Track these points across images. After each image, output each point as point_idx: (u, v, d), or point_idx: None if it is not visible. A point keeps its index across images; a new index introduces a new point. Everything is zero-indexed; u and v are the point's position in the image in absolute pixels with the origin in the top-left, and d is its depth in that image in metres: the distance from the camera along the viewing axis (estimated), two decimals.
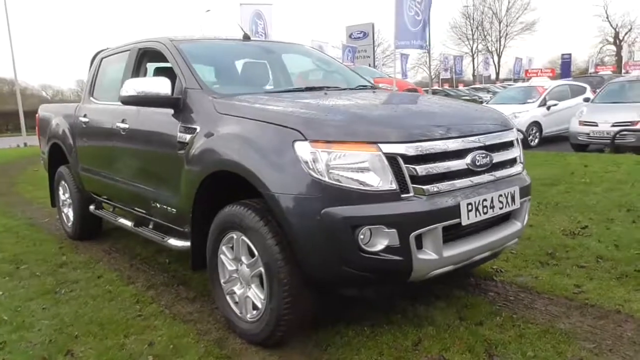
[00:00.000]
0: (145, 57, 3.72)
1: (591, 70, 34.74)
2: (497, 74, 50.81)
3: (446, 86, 35.81)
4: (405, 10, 11.33)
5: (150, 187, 3.34)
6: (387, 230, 2.14)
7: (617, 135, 9.18)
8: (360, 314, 2.82)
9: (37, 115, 5.35)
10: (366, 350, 2.47)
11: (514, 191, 2.58)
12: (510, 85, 24.03)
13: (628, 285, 3.09)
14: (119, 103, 3.18)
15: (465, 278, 3.31)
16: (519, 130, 3.78)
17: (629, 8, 67.43)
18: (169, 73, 3.21)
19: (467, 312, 2.84)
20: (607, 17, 47.90)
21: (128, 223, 3.86)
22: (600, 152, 9.41)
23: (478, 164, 2.43)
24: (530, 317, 2.75)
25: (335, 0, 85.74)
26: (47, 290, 3.49)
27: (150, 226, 3.57)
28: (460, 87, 35.57)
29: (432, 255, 2.25)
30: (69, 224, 4.81)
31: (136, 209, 3.71)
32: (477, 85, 35.23)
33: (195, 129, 2.82)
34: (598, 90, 11.72)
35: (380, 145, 2.19)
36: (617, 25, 47.89)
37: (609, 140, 9.32)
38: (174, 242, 3.15)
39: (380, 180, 2.17)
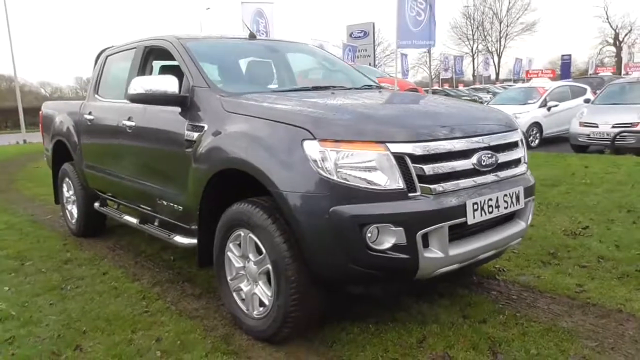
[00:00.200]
0: (151, 55, 3.73)
1: (591, 71, 34.83)
2: (497, 74, 50.86)
3: (446, 86, 35.83)
4: (406, 11, 11.38)
5: (157, 184, 3.36)
6: (394, 228, 2.17)
7: (618, 137, 9.23)
8: (365, 311, 2.85)
9: (40, 112, 5.36)
10: (371, 347, 2.50)
11: (519, 191, 2.61)
12: (510, 85, 24.08)
13: (629, 284, 3.12)
14: (125, 101, 3.19)
15: (469, 277, 3.34)
16: None
17: (629, 9, 67.81)
18: (175, 71, 3.20)
19: (470, 310, 2.87)
20: (607, 18, 48.09)
21: (133, 220, 3.88)
22: (601, 153, 9.44)
23: (484, 164, 2.46)
24: (533, 315, 2.78)
25: None
26: (53, 286, 3.51)
27: (156, 223, 3.60)
28: (460, 87, 35.60)
29: (438, 254, 2.27)
30: (73, 220, 4.83)
31: (142, 206, 3.72)
32: (477, 86, 35.29)
33: (202, 127, 2.84)
34: (598, 92, 11.74)
35: (388, 144, 2.21)
36: (617, 26, 48.07)
37: (609, 142, 9.36)
38: (180, 239, 3.17)
39: (387, 179, 2.19)
